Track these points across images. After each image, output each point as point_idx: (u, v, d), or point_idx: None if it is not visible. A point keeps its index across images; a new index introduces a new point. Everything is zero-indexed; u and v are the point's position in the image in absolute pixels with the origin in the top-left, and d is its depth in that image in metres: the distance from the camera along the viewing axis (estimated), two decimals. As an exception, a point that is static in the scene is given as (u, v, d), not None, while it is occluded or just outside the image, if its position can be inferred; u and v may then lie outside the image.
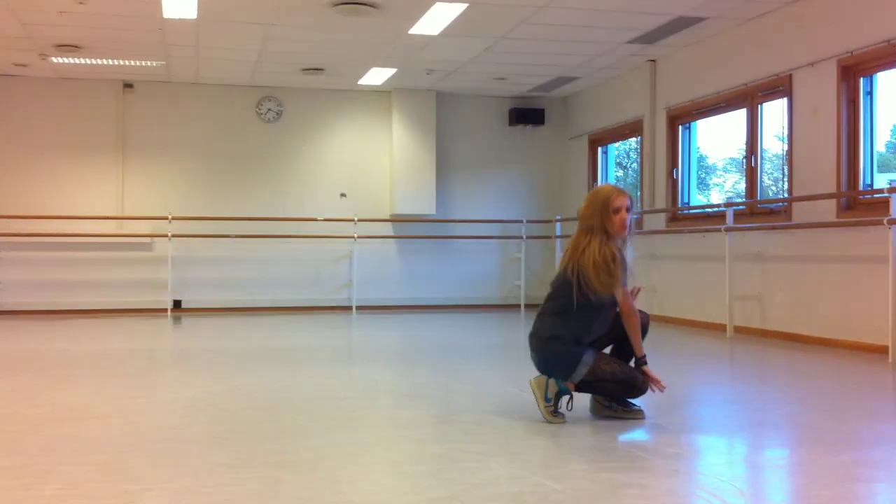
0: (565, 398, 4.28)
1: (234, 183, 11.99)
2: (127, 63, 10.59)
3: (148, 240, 11.62)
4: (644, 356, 4.36)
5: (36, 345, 8.06)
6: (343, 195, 12.32)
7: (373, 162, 12.44)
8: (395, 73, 11.21)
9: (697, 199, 10.34)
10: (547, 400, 4.25)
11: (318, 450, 3.77)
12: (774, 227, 8.27)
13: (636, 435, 4.23)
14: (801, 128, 8.04)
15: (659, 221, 10.35)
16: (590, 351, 4.31)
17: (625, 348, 4.45)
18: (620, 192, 4.41)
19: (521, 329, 9.89)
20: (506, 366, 6.81)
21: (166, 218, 11.43)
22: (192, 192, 11.83)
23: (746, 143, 8.98)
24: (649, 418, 4.34)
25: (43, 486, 3.17)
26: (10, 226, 11.01)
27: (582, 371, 4.27)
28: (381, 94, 12.33)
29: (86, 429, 4.20)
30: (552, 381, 4.26)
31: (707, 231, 9.15)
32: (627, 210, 4.37)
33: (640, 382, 4.33)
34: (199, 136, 11.92)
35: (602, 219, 4.34)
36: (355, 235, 12.05)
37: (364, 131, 12.46)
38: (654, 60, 10.41)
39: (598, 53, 10.11)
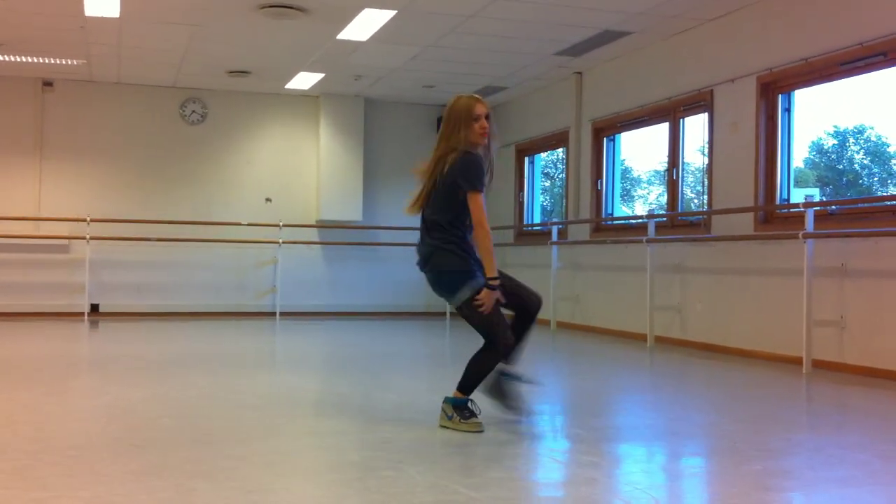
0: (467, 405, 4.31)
1: (157, 185, 11.77)
2: (47, 61, 10.31)
3: (65, 242, 11.32)
4: (495, 278, 4.26)
5: (-56, 349, 7.78)
6: (268, 200, 12.19)
7: (299, 167, 12.34)
8: (323, 78, 11.14)
9: (621, 210, 10.49)
10: (449, 417, 4.28)
11: (234, 458, 3.70)
12: (694, 240, 8.42)
13: (555, 444, 4.25)
14: (721, 142, 8.21)
15: (583, 232, 10.46)
16: (479, 278, 4.27)
17: (523, 320, 4.46)
18: (479, 100, 4.37)
19: (445, 337, 9.90)
20: (428, 374, 6.80)
21: (84, 220, 11.15)
22: (112, 194, 11.58)
23: (669, 157, 9.14)
24: (569, 426, 4.37)
25: (-57, 495, 3.05)
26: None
27: (466, 294, 4.26)
28: (308, 98, 12.25)
29: (-8, 436, 4.07)
30: (445, 404, 4.32)
31: (629, 242, 9.28)
32: (487, 118, 4.33)
33: (500, 345, 4.29)
34: (120, 137, 11.67)
35: (465, 128, 4.28)
36: (280, 241, 11.93)
37: (291, 136, 12.35)
38: (580, 73, 10.53)
39: (526, 64, 10.19)
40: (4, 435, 4.09)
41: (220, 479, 3.33)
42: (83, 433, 4.19)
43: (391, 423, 4.49)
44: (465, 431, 4.21)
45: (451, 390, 4.40)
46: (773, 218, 7.65)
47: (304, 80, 11.27)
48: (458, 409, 4.28)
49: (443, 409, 4.34)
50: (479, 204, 4.26)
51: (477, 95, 4.43)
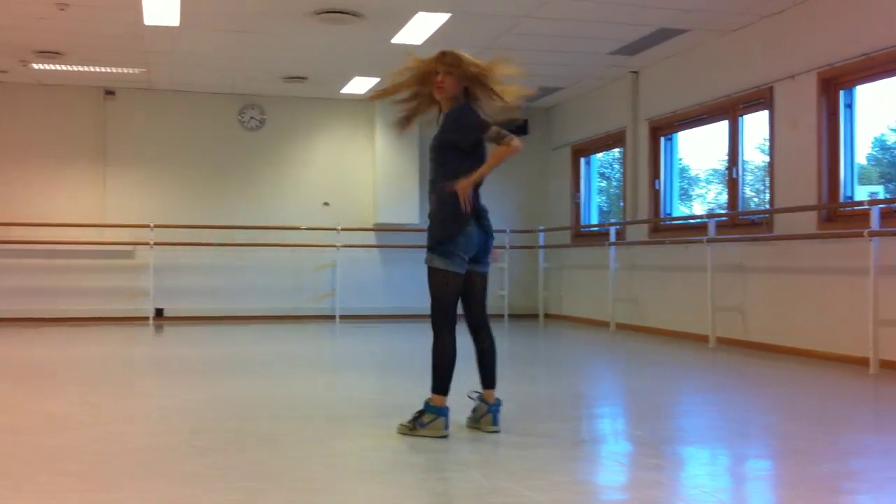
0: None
1: (217, 191, 11.94)
2: (108, 70, 10.53)
3: (129, 247, 11.54)
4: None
5: (15, 353, 7.98)
6: (326, 204, 12.29)
7: (356, 171, 12.42)
8: (378, 83, 11.19)
9: (679, 209, 10.38)
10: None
11: (297, 460, 3.74)
12: (756, 239, 8.30)
13: (618, 446, 4.22)
14: (782, 140, 8.09)
15: (641, 232, 10.37)
16: None
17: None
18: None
19: (504, 340, 9.89)
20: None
21: (148, 226, 11.36)
22: (174, 200, 11.77)
23: (728, 155, 9.02)
24: (631, 429, 4.33)
25: (19, 496, 3.13)
26: (-10, 233, 10.93)
27: None
28: (364, 102, 12.32)
29: (64, 438, 4.16)
30: (496, 412, 4.30)
31: (689, 242, 9.17)
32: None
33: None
34: (181, 144, 11.87)
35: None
36: (338, 244, 12.02)
37: (347, 140, 12.44)
38: (636, 72, 10.45)
39: (581, 64, 10.15)
40: (72, 437, 4.18)
41: (285, 480, 3.36)
42: (150, 435, 4.27)
43: (451, 426, 4.49)
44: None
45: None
46: (837, 216, 7.51)
47: (359, 85, 11.35)
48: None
49: (495, 417, 4.29)
50: None
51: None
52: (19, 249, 11.11)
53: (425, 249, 4.26)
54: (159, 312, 11.56)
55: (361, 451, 4.00)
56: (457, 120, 4.32)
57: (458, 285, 4.23)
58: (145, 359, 8.07)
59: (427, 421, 4.15)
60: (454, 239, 4.18)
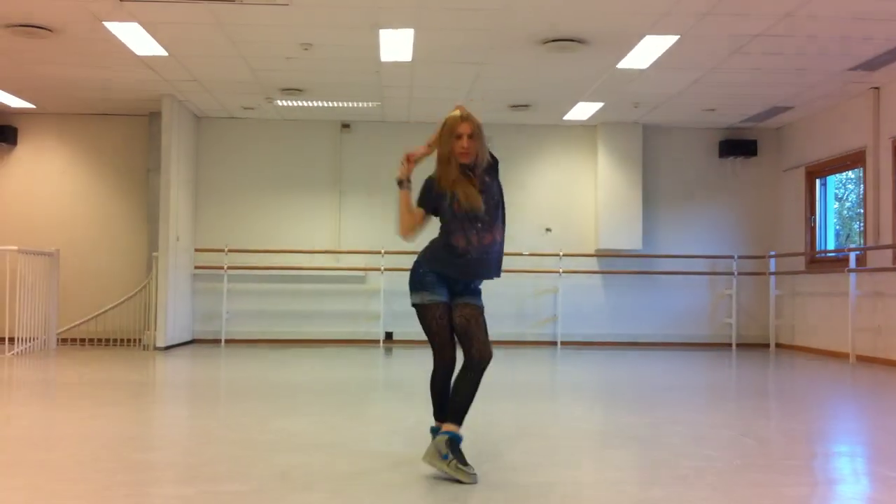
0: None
1: (443, 218, 12.27)
2: (345, 105, 11.12)
3: (362, 273, 12.09)
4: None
5: (262, 373, 8.54)
6: (548, 230, 12.36)
7: (578, 196, 12.43)
8: (601, 108, 11.18)
9: (927, 233, 9.68)
10: (445, 457, 3.92)
11: (530, 487, 3.78)
12: None
13: (866, 487, 4.00)
14: None
15: (885, 257, 9.75)
16: (421, 293, 4.67)
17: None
18: (465, 118, 4.39)
19: (732, 369, 9.57)
20: (718, 408, 6.59)
21: (379, 252, 11.86)
22: (403, 227, 12.19)
23: (984, 175, 8.35)
24: (876, 468, 4.08)
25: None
26: (239, 259, 11.78)
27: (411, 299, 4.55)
28: (586, 128, 12.33)
29: (314, 457, 4.40)
30: (438, 438, 4.00)
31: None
32: (471, 137, 4.34)
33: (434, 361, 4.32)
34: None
35: (446, 144, 4.39)
36: (560, 270, 12.06)
37: (569, 166, 12.48)
38: (877, 88, 9.88)
39: (815, 82, 9.71)
40: (321, 457, 4.42)
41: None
42: (392, 456, 4.42)
43: (686, 458, 4.41)
44: (449, 472, 3.88)
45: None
46: None
47: (582, 111, 11.37)
48: (451, 447, 3.95)
49: (434, 442, 4.02)
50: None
51: (465, 113, 4.39)
52: (264, 275, 11.90)
53: (477, 293, 4.73)
54: (389, 335, 12.01)
55: (595, 483, 3.99)
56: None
57: None
58: (377, 381, 8.41)
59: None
60: None
